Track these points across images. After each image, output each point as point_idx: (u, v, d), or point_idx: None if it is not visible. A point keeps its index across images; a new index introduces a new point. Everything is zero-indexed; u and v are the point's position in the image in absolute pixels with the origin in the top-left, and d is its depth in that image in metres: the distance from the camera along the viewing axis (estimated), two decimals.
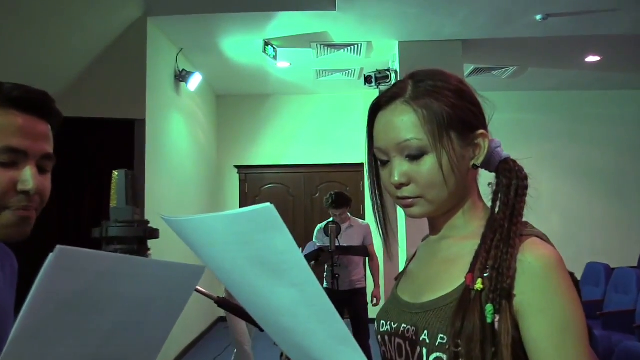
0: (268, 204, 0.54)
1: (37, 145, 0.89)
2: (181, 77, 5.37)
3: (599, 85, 7.03)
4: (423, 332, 0.81)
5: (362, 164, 6.83)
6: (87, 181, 4.39)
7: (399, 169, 0.84)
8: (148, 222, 0.91)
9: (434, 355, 0.79)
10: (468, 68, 6.09)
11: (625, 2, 4.41)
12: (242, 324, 3.92)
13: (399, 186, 0.85)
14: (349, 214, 4.50)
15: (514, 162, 0.88)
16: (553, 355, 0.73)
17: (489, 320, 0.74)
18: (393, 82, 4.39)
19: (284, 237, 0.56)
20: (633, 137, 7.21)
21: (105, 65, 4.41)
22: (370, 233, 4.50)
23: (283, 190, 7.50)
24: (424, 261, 0.94)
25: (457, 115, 0.83)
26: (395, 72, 5.39)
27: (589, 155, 7.19)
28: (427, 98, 0.84)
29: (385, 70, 5.44)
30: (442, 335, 0.78)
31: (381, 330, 0.91)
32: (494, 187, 0.86)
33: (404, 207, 0.87)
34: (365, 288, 4.51)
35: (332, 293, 4.14)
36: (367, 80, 5.47)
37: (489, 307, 0.74)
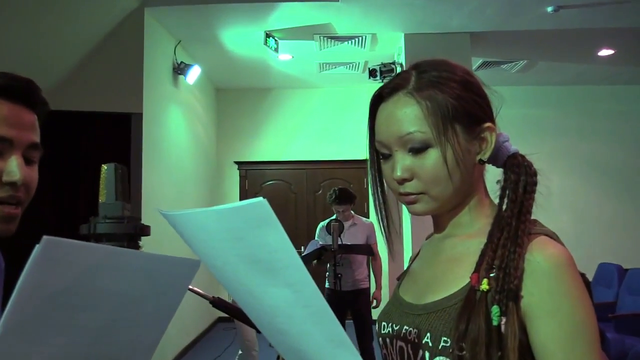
0: (260, 198, 0.53)
1: (23, 135, 0.87)
2: (180, 69, 5.36)
3: (612, 79, 6.99)
4: (426, 334, 0.80)
5: (366, 161, 6.80)
6: (82, 177, 4.39)
7: (402, 163, 0.83)
8: (139, 219, 0.90)
9: (437, 359, 0.78)
10: (476, 62, 6.07)
11: None
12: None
13: (402, 181, 0.83)
14: (352, 211, 4.49)
15: (523, 157, 0.86)
16: None
17: (494, 323, 0.72)
18: None
19: (278, 234, 0.55)
20: None
21: (101, 57, 4.40)
22: (374, 232, 4.49)
23: (285, 187, 7.50)
24: (428, 260, 0.93)
25: (462, 107, 0.82)
26: (401, 65, 5.37)
27: (601, 153, 7.17)
28: (431, 89, 0.82)
29: (391, 63, 5.42)
30: (445, 338, 0.77)
31: (382, 332, 0.90)
32: (502, 183, 0.85)
33: (407, 203, 0.85)
34: (369, 288, 4.50)
35: (334, 293, 4.14)
36: (372, 73, 5.45)
37: (495, 309, 0.73)
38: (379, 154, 0.88)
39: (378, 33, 5.34)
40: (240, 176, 7.51)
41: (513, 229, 0.78)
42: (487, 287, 0.75)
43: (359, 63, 6.32)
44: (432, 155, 0.81)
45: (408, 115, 0.82)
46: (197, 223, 0.62)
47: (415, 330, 0.82)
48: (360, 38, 5.44)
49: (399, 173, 0.83)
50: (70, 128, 4.37)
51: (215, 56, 5.93)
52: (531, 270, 0.74)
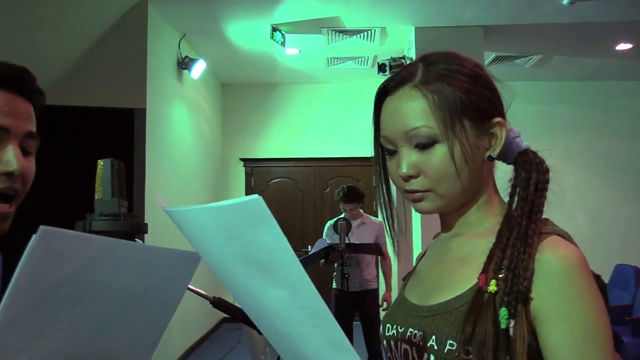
0: (256, 195, 0.52)
1: (19, 124, 0.87)
2: (184, 64, 5.37)
3: (631, 75, 6.93)
4: (431, 337, 0.79)
5: None
6: (84, 173, 4.41)
7: (407, 159, 0.82)
8: (136, 216, 0.90)
9: None
10: (489, 56, 6.04)
11: None
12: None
13: (407, 178, 0.82)
14: (361, 210, 4.48)
15: (534, 153, 0.85)
16: None
17: (503, 326, 0.71)
18: None
19: (274, 233, 0.54)
20: None
21: (104, 51, 4.42)
22: (384, 231, 4.46)
23: (291, 185, 7.50)
24: (434, 260, 0.92)
25: (471, 102, 0.81)
26: (411, 60, 5.33)
27: (619, 151, 7.11)
28: (439, 82, 0.81)
29: (400, 58, 5.40)
30: (451, 342, 0.76)
31: (386, 334, 0.89)
32: (512, 181, 0.84)
33: (412, 201, 0.84)
34: (377, 289, 4.49)
35: (341, 294, 4.13)
36: (381, 68, 5.44)
37: (503, 312, 0.72)
38: (384, 149, 0.87)
39: (388, 26, 5.31)
40: (245, 173, 7.52)
41: (523, 228, 0.77)
42: (495, 288, 0.74)
43: (367, 58, 6.30)
44: (439, 151, 0.80)
45: (414, 110, 0.81)
46: (195, 220, 0.61)
47: (420, 332, 0.81)
48: (369, 32, 5.42)
49: (404, 169, 0.82)
50: (71, 124, 4.39)
51: (220, 50, 5.94)
52: (542, 271, 0.73)
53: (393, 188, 0.91)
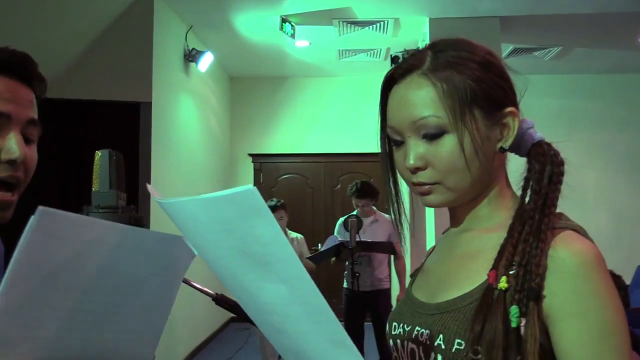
0: (250, 186, 0.51)
1: (21, 110, 0.87)
2: (191, 56, 5.38)
3: None
4: (438, 336, 0.78)
5: None
6: (89, 167, 4.44)
7: (415, 150, 0.80)
8: (134, 209, 0.89)
9: None
10: (506, 48, 5.99)
11: None
12: None
13: (415, 170, 0.81)
14: (374, 207, 4.46)
15: (549, 145, 0.84)
16: None
17: (513, 325, 0.70)
18: None
19: (269, 225, 0.54)
20: None
21: (109, 44, 4.44)
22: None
23: (301, 181, 7.49)
24: (442, 256, 0.91)
25: (482, 90, 0.80)
26: None
27: None
28: (448, 70, 0.80)
29: (414, 50, 5.36)
30: (459, 341, 0.75)
31: (393, 333, 0.88)
32: (525, 174, 0.82)
33: (420, 194, 0.83)
34: (389, 289, 4.47)
35: (352, 293, 4.13)
36: (394, 61, 5.40)
37: (514, 309, 0.71)
38: (391, 140, 0.86)
39: (401, 17, 5.29)
40: (254, 169, 7.53)
41: (536, 222, 0.76)
42: (505, 285, 0.73)
43: (380, 50, 6.27)
44: (448, 142, 0.79)
45: (422, 98, 0.80)
46: (188, 212, 0.61)
47: (427, 331, 0.81)
48: (381, 23, 5.39)
49: (411, 161, 0.80)
50: (76, 117, 4.42)
51: (228, 42, 5.94)
52: (555, 267, 0.72)
53: (401, 181, 0.90)
